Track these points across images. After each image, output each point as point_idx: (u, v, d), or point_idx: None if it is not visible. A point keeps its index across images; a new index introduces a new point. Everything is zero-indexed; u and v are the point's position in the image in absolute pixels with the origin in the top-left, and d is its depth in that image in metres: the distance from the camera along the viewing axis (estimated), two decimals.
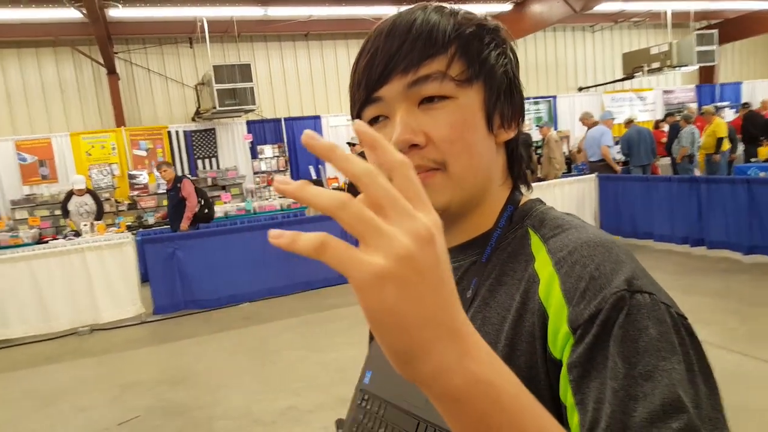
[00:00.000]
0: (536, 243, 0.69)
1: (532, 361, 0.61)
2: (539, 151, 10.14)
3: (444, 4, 0.72)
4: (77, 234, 7.98)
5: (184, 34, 11.50)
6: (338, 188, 9.42)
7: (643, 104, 14.79)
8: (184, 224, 7.28)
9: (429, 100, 0.68)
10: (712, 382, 0.54)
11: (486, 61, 0.70)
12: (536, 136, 10.64)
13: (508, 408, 0.43)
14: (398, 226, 0.37)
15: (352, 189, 7.79)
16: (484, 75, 0.70)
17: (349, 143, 8.37)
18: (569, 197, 8.26)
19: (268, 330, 5.89)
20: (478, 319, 0.69)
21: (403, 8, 0.73)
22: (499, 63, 0.71)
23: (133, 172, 10.60)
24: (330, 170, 11.44)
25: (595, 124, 9.27)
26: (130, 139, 10.95)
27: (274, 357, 5.12)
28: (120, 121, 11.17)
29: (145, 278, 6.83)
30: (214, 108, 9.60)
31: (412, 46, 0.67)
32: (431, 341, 0.39)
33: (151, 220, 9.74)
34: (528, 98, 14.04)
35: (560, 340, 0.58)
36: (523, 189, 0.79)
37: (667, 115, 10.40)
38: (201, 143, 11.38)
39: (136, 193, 10.37)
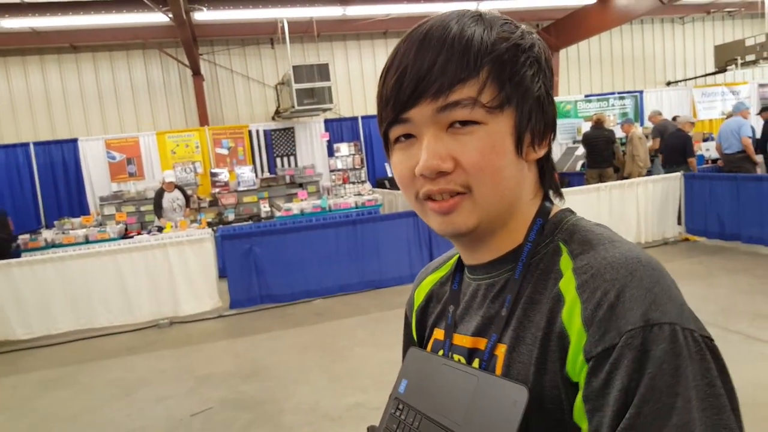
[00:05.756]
0: (565, 259, 0.69)
1: (554, 381, 0.64)
2: (623, 148, 9.70)
3: (483, 11, 0.71)
4: (160, 229, 8.34)
5: (266, 35, 11.83)
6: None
7: (735, 99, 13.87)
8: None
9: (460, 122, 0.67)
10: (734, 405, 0.57)
11: (520, 85, 0.68)
12: (619, 132, 10.19)
13: None
14: None
15: None
16: (516, 99, 0.68)
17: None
18: (652, 196, 7.88)
19: (338, 327, 5.91)
20: (512, 339, 0.69)
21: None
22: (534, 84, 0.69)
23: (215, 170, 10.97)
24: None
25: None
26: (213, 138, 11.36)
27: (344, 353, 5.13)
28: (204, 120, 11.63)
29: (222, 273, 7.02)
30: (293, 107, 9.78)
31: (442, 70, 0.65)
32: None
33: (231, 217, 10.04)
34: (613, 93, 13.70)
35: (578, 366, 0.61)
36: (556, 199, 0.78)
37: (762, 110, 9.65)
38: (280, 142, 11.65)
39: (217, 190, 10.70)
